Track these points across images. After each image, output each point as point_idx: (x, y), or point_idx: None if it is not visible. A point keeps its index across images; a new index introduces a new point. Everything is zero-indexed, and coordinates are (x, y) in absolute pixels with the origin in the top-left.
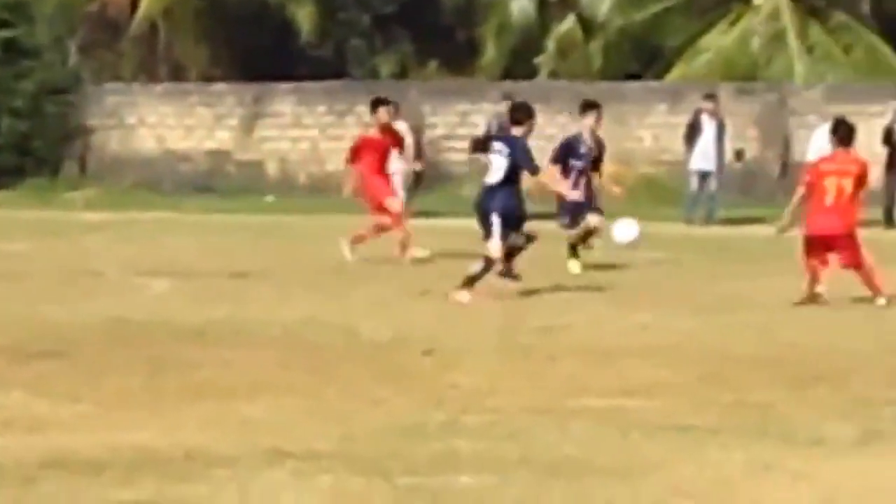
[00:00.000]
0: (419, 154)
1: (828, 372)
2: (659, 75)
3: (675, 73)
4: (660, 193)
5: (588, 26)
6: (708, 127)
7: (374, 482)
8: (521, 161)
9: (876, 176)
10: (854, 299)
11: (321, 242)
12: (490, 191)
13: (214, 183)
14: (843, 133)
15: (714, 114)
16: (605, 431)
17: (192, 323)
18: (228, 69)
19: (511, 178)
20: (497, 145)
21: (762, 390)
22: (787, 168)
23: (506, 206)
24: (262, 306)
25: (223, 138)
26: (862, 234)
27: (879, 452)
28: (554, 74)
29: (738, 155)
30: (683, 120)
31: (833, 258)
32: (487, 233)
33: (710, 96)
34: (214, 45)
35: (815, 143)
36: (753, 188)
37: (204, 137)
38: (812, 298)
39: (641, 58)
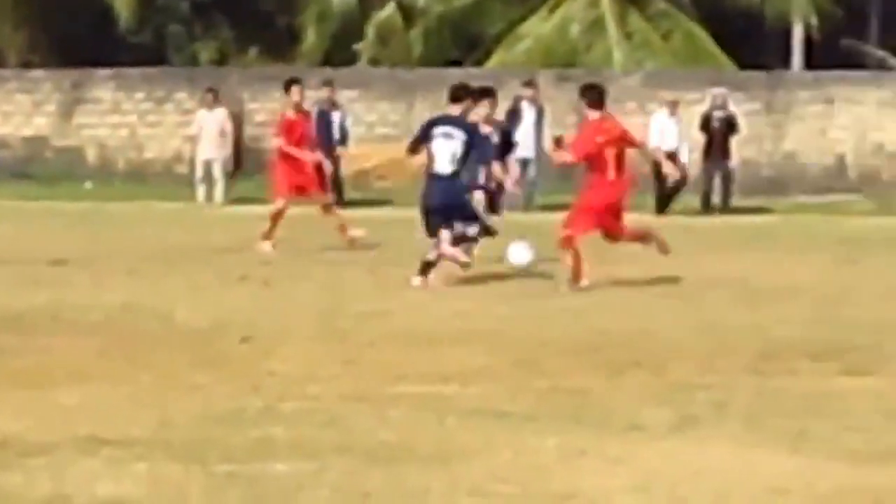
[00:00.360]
0: (238, 142)
1: (644, 357)
2: (479, 62)
3: (495, 60)
4: None
5: (408, 13)
6: (527, 113)
7: (190, 469)
8: (479, 148)
9: (694, 161)
10: (670, 285)
11: (140, 228)
12: (445, 181)
13: (32, 169)
14: (595, 97)
15: (533, 100)
16: (423, 417)
17: (9, 310)
18: (47, 55)
19: (462, 165)
20: (446, 129)
21: (578, 376)
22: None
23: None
24: (81, 292)
25: (41, 124)
26: (680, 220)
27: (695, 437)
28: (374, 61)
29: (558, 141)
30: (503, 107)
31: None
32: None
33: (529, 83)
34: (33, 31)
35: (655, 127)
36: (572, 174)
37: (21, 124)
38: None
39: (461, 45)
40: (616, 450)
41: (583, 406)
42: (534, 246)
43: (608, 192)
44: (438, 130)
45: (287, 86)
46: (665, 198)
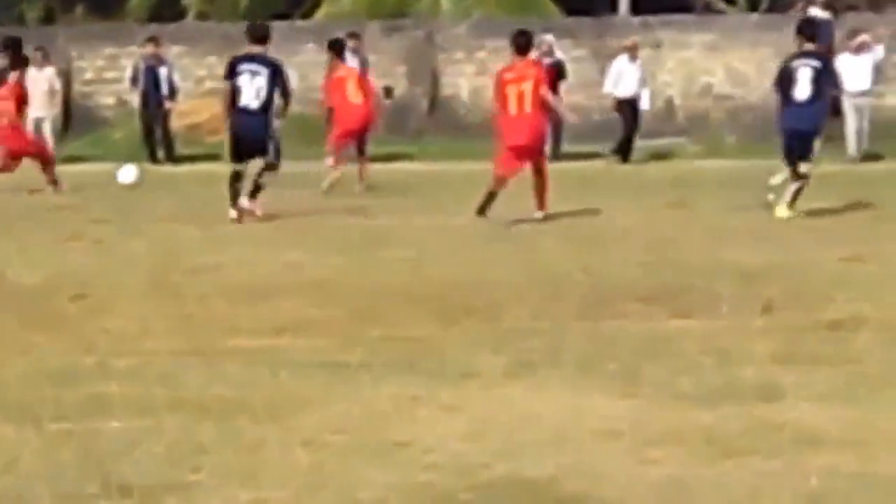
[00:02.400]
0: (66, 100)
1: (478, 305)
2: (306, 14)
3: (322, 12)
4: (311, 132)
5: None
6: (351, 64)
7: (23, 429)
8: (283, 84)
9: None
10: (502, 232)
11: None
12: (253, 115)
13: None
14: (521, 42)
15: (357, 51)
16: (256, 371)
17: None
18: None
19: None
20: (251, 67)
21: (412, 325)
22: (436, 104)
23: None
24: None
25: None
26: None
27: (530, 383)
28: (202, 16)
29: (387, 92)
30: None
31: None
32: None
33: (353, 35)
34: None
35: (613, 72)
36: (403, 125)
37: None
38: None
39: None
40: (451, 397)
41: (417, 354)
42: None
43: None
44: (243, 67)
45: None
46: (625, 145)
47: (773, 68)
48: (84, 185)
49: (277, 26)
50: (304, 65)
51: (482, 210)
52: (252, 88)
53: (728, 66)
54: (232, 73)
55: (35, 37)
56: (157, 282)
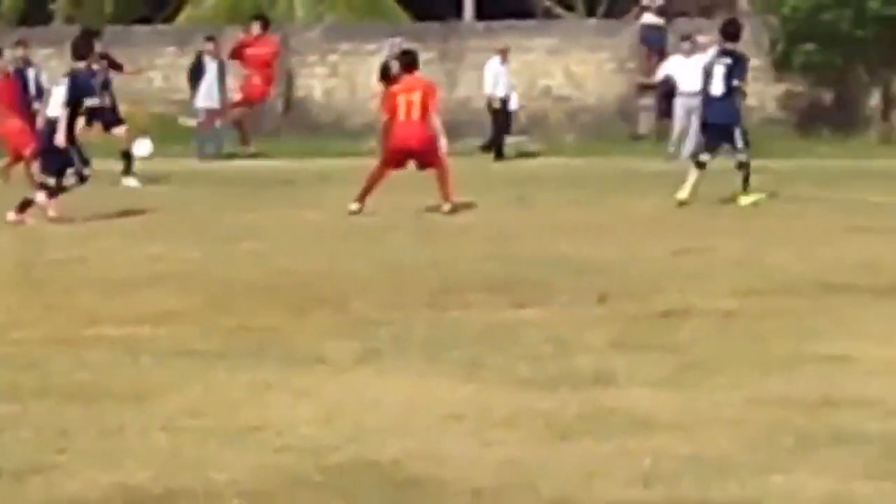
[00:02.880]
0: None
1: (329, 295)
2: (168, 19)
3: (183, 17)
4: (171, 131)
5: None
6: (210, 67)
7: None
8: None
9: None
10: (352, 226)
11: None
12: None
13: None
14: (408, 61)
15: (215, 55)
16: (119, 358)
17: None
18: None
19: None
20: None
21: (265, 315)
22: (291, 104)
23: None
24: None
25: None
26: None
27: (377, 369)
28: (69, 20)
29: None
30: (190, 61)
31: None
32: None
33: (211, 38)
34: None
35: (489, 74)
36: (259, 124)
37: None
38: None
39: (151, 3)
40: (302, 383)
41: (270, 342)
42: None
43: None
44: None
45: None
46: (496, 145)
47: (609, 71)
48: None
49: (141, 30)
50: (166, 67)
51: (362, 198)
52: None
53: (567, 69)
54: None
55: None
56: (22, 274)
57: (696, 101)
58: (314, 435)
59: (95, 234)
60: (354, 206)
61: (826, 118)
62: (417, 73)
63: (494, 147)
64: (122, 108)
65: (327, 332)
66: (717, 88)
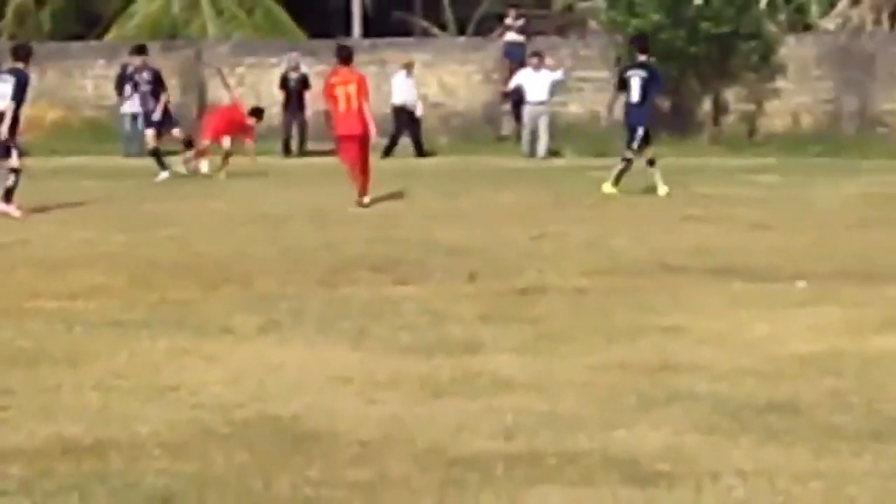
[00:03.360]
0: None
1: (236, 274)
2: (99, 36)
3: (112, 34)
4: (101, 133)
5: None
6: (139, 78)
7: None
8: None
9: (275, 115)
10: (256, 215)
11: None
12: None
13: None
14: (345, 54)
15: (144, 66)
16: (55, 328)
17: None
18: None
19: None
20: (3, 76)
21: (181, 290)
22: (203, 110)
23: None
24: None
25: None
26: (266, 161)
27: (277, 338)
28: (12, 36)
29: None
30: (116, 72)
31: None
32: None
33: (140, 49)
34: None
35: (396, 85)
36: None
37: None
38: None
39: (84, 22)
40: (212, 349)
41: (185, 314)
42: None
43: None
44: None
45: None
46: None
47: (476, 82)
48: None
49: (75, 45)
50: (97, 77)
51: (361, 196)
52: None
53: (440, 80)
54: None
55: None
56: None
57: (542, 109)
58: (223, 394)
59: (35, 220)
60: (366, 200)
61: (664, 122)
62: (353, 66)
63: (386, 147)
64: (60, 113)
65: (234, 305)
66: (635, 96)
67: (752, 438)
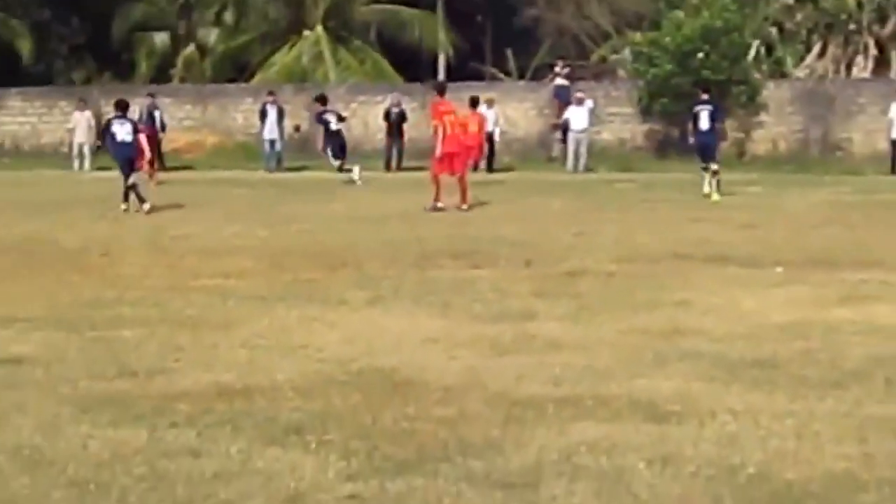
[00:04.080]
0: (99, 132)
1: (350, 260)
2: (247, 80)
3: (257, 79)
4: (249, 153)
5: (202, 50)
6: (271, 111)
7: (70, 335)
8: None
9: (379, 139)
10: (364, 215)
11: (36, 188)
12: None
13: None
14: (440, 89)
15: (274, 103)
16: (213, 300)
17: None
18: None
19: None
20: (121, 120)
21: (309, 272)
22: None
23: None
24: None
25: None
26: (370, 175)
27: (382, 309)
28: (182, 80)
29: (296, 128)
30: (260, 108)
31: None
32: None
33: (271, 92)
34: None
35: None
36: (305, 149)
37: None
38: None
39: (236, 69)
40: (332, 317)
41: (312, 290)
42: None
43: (449, 143)
44: (114, 121)
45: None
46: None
47: (532, 115)
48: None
49: (229, 87)
50: (245, 111)
51: (435, 202)
52: (122, 132)
53: (505, 114)
54: (107, 126)
55: (77, 92)
56: (152, 244)
57: (583, 135)
58: (340, 351)
59: (197, 219)
60: (440, 204)
61: (675, 147)
62: (446, 98)
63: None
64: (217, 139)
65: (349, 283)
66: (705, 124)
67: (741, 386)
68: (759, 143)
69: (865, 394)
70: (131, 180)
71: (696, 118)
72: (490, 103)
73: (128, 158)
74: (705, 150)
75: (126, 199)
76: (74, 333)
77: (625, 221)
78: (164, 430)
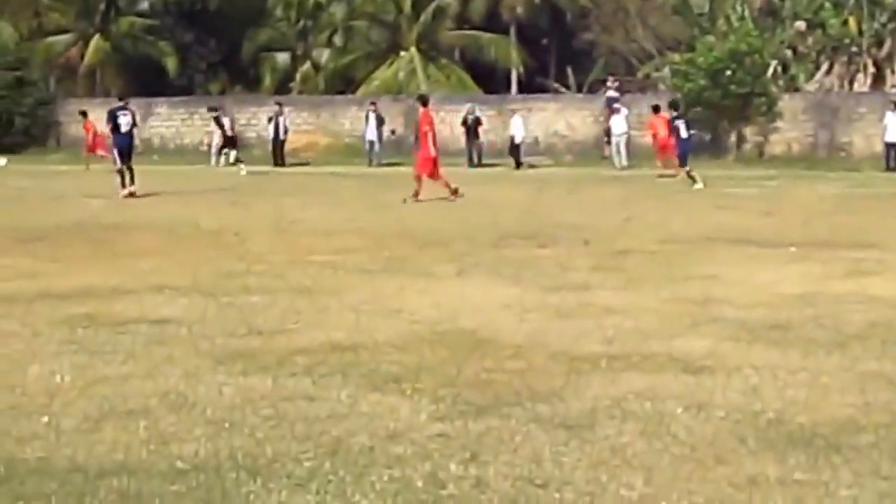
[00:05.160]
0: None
1: (437, 240)
2: (353, 92)
3: (361, 91)
4: (356, 152)
5: (317, 66)
6: (372, 117)
7: (208, 300)
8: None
9: (462, 141)
10: (450, 203)
11: (181, 179)
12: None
13: None
14: (423, 100)
15: (376, 110)
16: (325, 272)
17: (109, 220)
18: (133, 92)
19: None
20: (124, 111)
21: (403, 249)
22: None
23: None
24: (150, 212)
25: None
26: (453, 170)
27: (465, 280)
28: (300, 92)
29: (393, 132)
30: (364, 114)
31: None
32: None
33: (373, 103)
34: (125, 79)
35: (515, 123)
36: (400, 150)
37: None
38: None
39: (344, 83)
40: (423, 286)
41: (406, 264)
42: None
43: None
44: (119, 113)
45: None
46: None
47: (589, 122)
48: (239, 178)
49: (338, 98)
50: (352, 118)
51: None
52: (125, 122)
53: (567, 121)
54: (114, 117)
55: (215, 102)
56: (274, 227)
57: (622, 138)
58: (430, 314)
59: (312, 205)
60: (421, 197)
61: (706, 148)
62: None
63: (516, 161)
64: (328, 140)
65: (436, 259)
66: (685, 133)
67: (761, 346)
68: (776, 145)
69: (865, 352)
70: (119, 165)
71: (677, 130)
72: (514, 111)
73: (128, 146)
74: (688, 154)
75: (127, 183)
76: (212, 299)
77: (663, 209)
78: (285, 379)
